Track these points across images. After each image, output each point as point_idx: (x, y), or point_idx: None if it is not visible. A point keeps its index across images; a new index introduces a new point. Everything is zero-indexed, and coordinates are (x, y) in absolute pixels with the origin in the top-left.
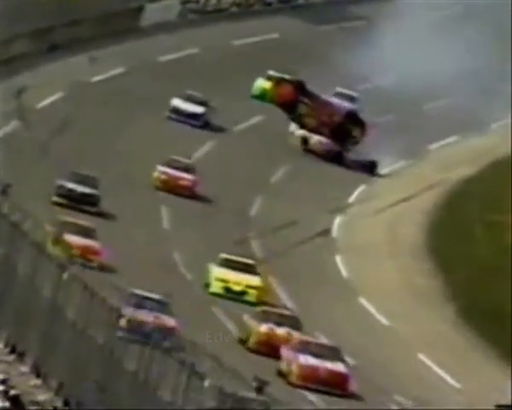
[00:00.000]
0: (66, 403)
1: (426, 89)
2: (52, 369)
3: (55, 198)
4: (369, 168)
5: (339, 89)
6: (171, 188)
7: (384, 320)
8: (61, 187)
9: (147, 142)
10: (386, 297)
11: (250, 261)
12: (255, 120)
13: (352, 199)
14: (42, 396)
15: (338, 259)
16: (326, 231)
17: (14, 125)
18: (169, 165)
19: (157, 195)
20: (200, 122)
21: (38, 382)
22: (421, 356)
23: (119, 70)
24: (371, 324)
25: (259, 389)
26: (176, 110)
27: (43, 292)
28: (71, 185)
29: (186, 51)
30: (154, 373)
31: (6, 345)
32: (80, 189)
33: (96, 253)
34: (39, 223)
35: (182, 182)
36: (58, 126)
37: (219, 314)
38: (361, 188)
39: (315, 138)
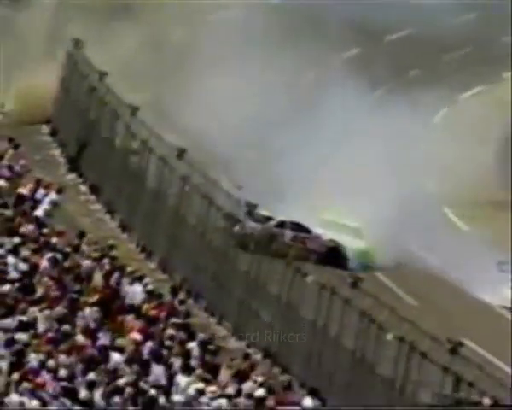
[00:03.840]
0: (188, 293)
1: None
2: (176, 266)
3: None
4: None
5: None
6: None
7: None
8: None
9: None
10: None
11: None
12: None
13: None
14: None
15: None
16: None
17: None
18: None
19: None
20: None
21: (165, 277)
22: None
23: None
24: None
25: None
26: None
27: (168, 201)
28: None
29: None
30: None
31: (137, 245)
32: None
33: None
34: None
35: None
36: None
37: None
38: None
39: None
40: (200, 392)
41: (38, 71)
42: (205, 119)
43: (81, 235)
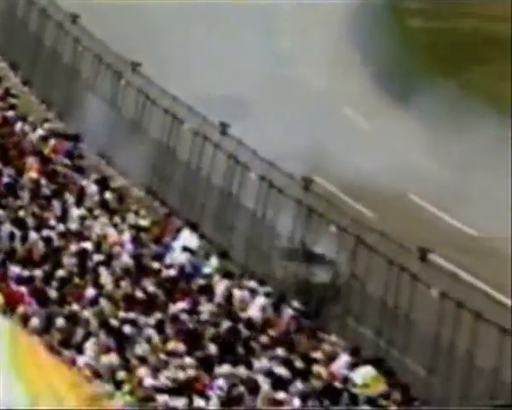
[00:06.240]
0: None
1: None
2: (73, 117)
3: None
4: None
5: None
6: None
7: None
8: None
9: None
10: None
11: None
12: None
13: None
14: None
15: None
16: None
17: None
18: None
19: None
20: None
21: (62, 125)
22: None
23: None
24: None
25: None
26: None
27: (63, 59)
28: None
29: None
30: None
31: (37, 98)
32: None
33: None
34: None
35: None
36: None
37: None
38: None
39: None
40: (91, 217)
41: None
42: None
43: None
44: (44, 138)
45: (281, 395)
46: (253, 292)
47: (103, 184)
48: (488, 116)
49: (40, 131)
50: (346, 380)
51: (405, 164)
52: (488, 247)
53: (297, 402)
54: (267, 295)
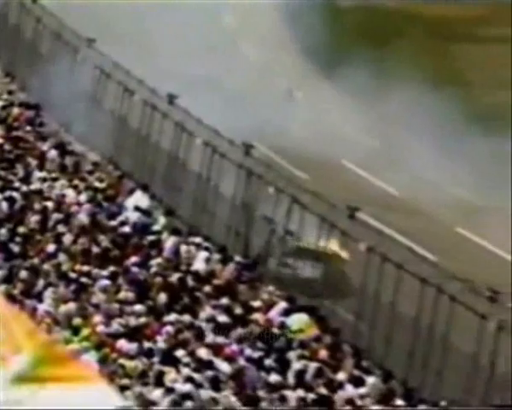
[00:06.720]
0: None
1: None
2: (31, 88)
3: None
4: None
5: None
6: None
7: None
8: None
9: None
10: None
11: None
12: None
13: None
14: None
15: None
16: None
17: None
18: None
19: None
20: None
21: (24, 96)
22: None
23: None
24: None
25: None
26: None
27: (25, 36)
28: None
29: None
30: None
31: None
32: None
33: None
34: None
35: None
36: None
37: None
38: None
39: None
40: (51, 179)
41: None
42: None
43: None
44: (8, 107)
45: (221, 340)
46: (199, 247)
47: (62, 149)
48: (408, 85)
49: (4, 102)
50: (281, 326)
51: (336, 131)
52: (411, 205)
53: (236, 346)
54: (207, 249)
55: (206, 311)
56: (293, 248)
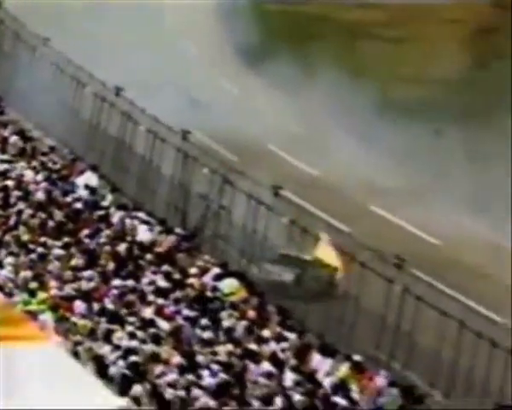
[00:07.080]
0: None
1: None
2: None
3: None
4: None
5: None
6: None
7: None
8: None
9: None
10: None
11: None
12: None
13: None
14: None
15: None
16: None
17: None
18: None
19: None
20: None
21: None
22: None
23: None
24: None
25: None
26: None
27: None
28: None
29: None
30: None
31: None
32: None
33: None
34: None
35: None
36: None
37: None
38: None
39: None
40: (12, 162)
41: None
42: None
43: None
44: None
45: (161, 301)
46: (142, 221)
47: (22, 135)
48: (327, 78)
49: None
50: (214, 289)
51: (264, 119)
52: (329, 185)
53: (174, 307)
54: (148, 223)
55: (148, 276)
56: (277, 255)
